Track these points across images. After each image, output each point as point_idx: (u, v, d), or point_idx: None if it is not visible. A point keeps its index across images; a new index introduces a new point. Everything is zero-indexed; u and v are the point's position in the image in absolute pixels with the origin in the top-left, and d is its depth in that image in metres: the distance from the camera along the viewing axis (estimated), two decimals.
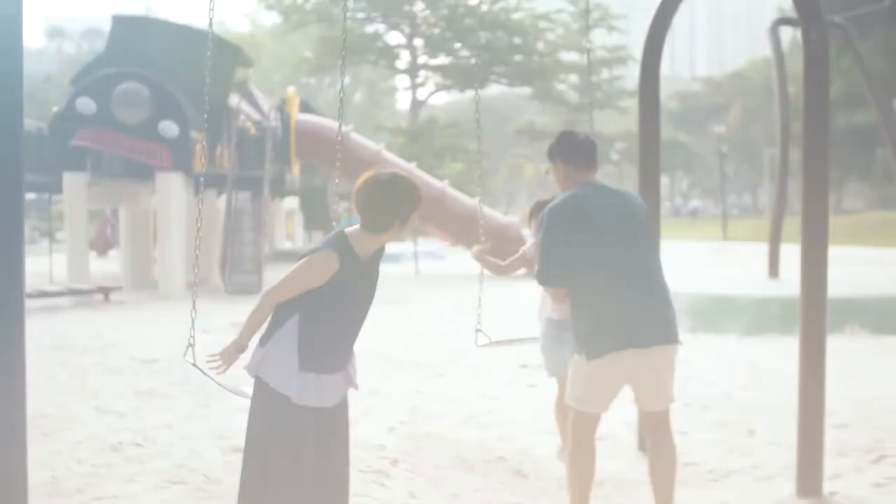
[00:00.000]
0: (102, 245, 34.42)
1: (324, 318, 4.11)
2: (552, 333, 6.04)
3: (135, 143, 17.72)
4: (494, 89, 76.03)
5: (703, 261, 28.46)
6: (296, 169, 24.17)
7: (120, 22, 20.03)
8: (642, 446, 6.62)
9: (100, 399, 8.63)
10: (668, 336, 4.72)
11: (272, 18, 69.89)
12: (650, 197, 6.64)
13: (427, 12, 59.92)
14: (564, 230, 4.69)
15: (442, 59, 61.47)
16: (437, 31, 59.94)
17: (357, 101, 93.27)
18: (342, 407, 4.31)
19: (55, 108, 19.75)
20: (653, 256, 4.90)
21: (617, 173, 63.35)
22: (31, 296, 16.40)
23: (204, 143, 18.30)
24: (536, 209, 6.03)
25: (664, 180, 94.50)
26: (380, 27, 62.40)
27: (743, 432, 7.32)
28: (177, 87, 18.63)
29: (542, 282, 4.85)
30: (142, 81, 18.06)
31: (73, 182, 18.83)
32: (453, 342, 12.10)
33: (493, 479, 6.22)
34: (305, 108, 29.70)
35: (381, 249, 4.31)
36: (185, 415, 8.00)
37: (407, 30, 61.09)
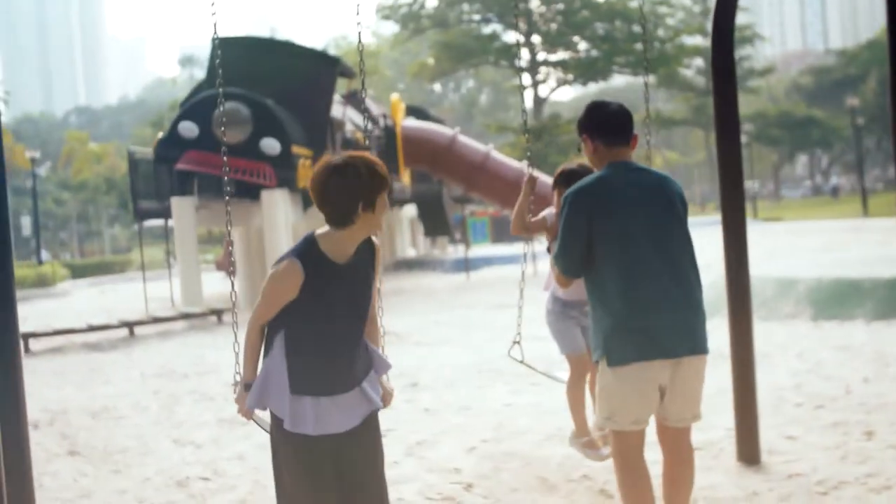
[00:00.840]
0: (229, 265, 34.79)
1: (306, 333, 3.69)
2: (556, 310, 5.71)
3: (237, 163, 17.70)
4: (619, 80, 74.82)
5: (838, 240, 26.98)
6: (405, 177, 23.89)
7: (220, 44, 20.02)
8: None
9: (182, 430, 8.39)
10: (696, 346, 4.17)
11: (392, 28, 70.42)
12: (732, 180, 6.00)
13: (543, 8, 59.25)
14: (586, 216, 4.16)
15: (561, 54, 60.68)
16: (553, 26, 59.20)
17: (482, 103, 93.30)
18: (365, 431, 3.81)
19: (160, 135, 19.95)
20: (686, 252, 4.25)
21: (745, 156, 61.35)
22: (144, 322, 16.52)
23: (309, 158, 18.25)
24: (560, 178, 5.59)
25: (802, 159, 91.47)
26: (497, 27, 62.01)
27: (860, 434, 6.52)
28: (278, 104, 18.57)
29: (559, 268, 4.32)
30: (241, 101, 18.03)
31: (181, 206, 18.96)
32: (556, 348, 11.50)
33: (575, 502, 5.63)
34: (421, 115, 29.52)
35: (369, 248, 3.81)
36: (261, 443, 7.64)
37: (524, 27, 60.47)
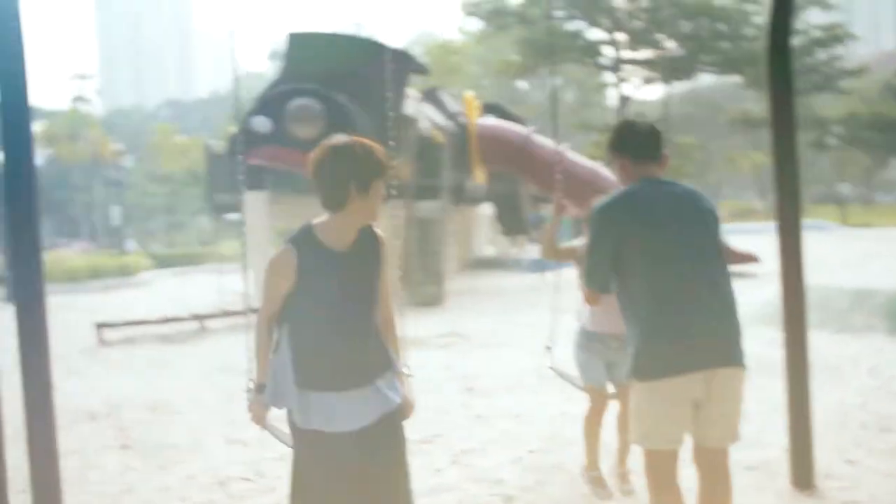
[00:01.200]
0: None
1: (308, 325, 3.61)
2: (581, 342, 5.61)
3: (308, 158, 17.68)
4: (706, 79, 73.55)
5: None
6: (479, 175, 23.71)
7: (295, 39, 20.15)
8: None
9: (233, 428, 8.35)
10: (730, 357, 4.01)
11: (478, 24, 70.18)
12: (788, 186, 5.73)
13: (628, 5, 58.50)
14: (613, 231, 4.08)
15: (645, 52, 59.86)
16: (638, 23, 58.41)
17: (568, 101, 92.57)
18: (383, 430, 3.68)
19: (232, 129, 20.08)
20: (717, 264, 4.11)
21: (836, 158, 59.82)
22: (215, 316, 16.64)
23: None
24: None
25: None
26: (581, 24, 61.41)
27: None
28: (350, 100, 18.53)
29: (586, 283, 4.23)
30: (314, 96, 18.04)
31: (254, 201, 19.05)
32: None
33: None
34: (500, 112, 29.30)
35: (373, 239, 3.72)
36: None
37: (608, 25, 59.82)
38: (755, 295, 13.09)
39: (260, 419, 3.76)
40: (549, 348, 5.85)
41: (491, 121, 22.98)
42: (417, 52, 73.71)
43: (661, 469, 4.12)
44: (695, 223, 4.10)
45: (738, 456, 6.41)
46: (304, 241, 3.59)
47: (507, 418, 8.10)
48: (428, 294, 18.48)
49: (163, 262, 39.78)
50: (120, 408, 9.65)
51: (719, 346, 4.00)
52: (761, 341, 9.25)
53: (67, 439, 8.27)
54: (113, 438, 8.22)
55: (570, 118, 70.75)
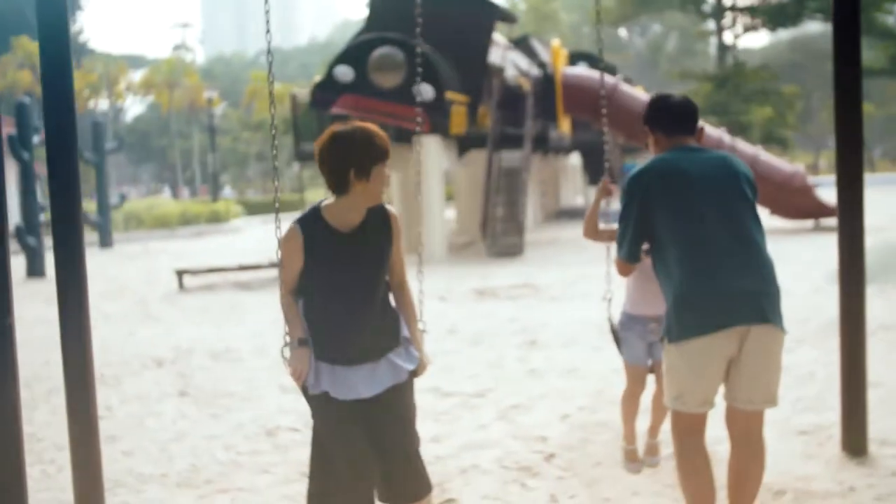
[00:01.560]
0: None
1: (317, 302, 3.79)
2: (622, 321, 5.45)
3: (391, 107, 17.65)
4: (814, 27, 71.26)
5: None
6: (564, 125, 23.36)
7: None
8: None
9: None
10: (765, 315, 3.87)
11: None
12: (850, 141, 5.44)
13: None
14: (644, 198, 4.03)
15: None
16: None
17: (669, 49, 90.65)
18: (393, 398, 3.83)
19: (316, 78, 20.11)
20: (753, 226, 4.00)
21: None
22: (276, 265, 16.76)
23: (465, 104, 18.04)
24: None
25: None
26: None
27: None
28: (435, 49, 18.39)
29: (619, 254, 4.18)
30: (396, 45, 17.93)
31: None
32: None
33: (659, 482, 5.29)
34: (591, 61, 28.83)
35: (382, 217, 3.82)
36: None
37: None
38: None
39: (301, 373, 3.75)
40: (608, 300, 5.64)
41: (577, 69, 22.58)
42: (512, 2, 73.00)
43: (690, 433, 4.05)
44: (727, 186, 4.01)
45: (793, 420, 6.26)
46: (311, 221, 3.74)
47: (561, 373, 7.99)
48: (508, 244, 18.34)
49: (254, 209, 40.35)
50: (188, 354, 9.80)
51: (753, 303, 3.88)
52: (835, 300, 8.92)
53: (132, 385, 8.47)
54: (172, 385, 8.35)
55: (671, 67, 69.42)
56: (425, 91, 17.58)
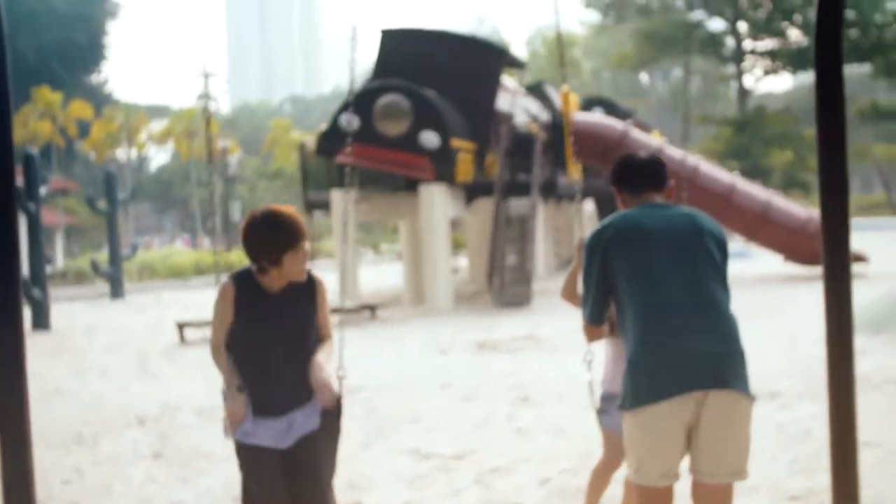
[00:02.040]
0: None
1: (241, 356, 4.00)
2: (602, 397, 5.22)
3: (396, 156, 17.50)
4: None
5: None
6: (575, 171, 23.13)
7: (387, 36, 19.99)
8: None
9: None
10: (725, 379, 3.65)
11: (597, 16, 69.19)
12: (833, 185, 5.12)
13: None
14: (604, 256, 3.88)
15: (768, 42, 58.04)
16: (761, 12, 56.67)
17: (690, 94, 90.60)
18: (303, 452, 4.01)
19: (322, 127, 20.02)
20: (716, 288, 3.78)
21: None
22: None
23: (471, 152, 17.86)
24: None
25: None
26: (701, 14, 59.98)
27: None
28: (441, 96, 18.28)
29: (583, 315, 4.03)
30: (402, 93, 17.80)
31: (341, 199, 18.94)
32: None
33: None
34: (607, 106, 28.69)
35: (302, 285, 4.04)
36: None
37: (730, 15, 58.22)
38: (856, 298, 12.28)
39: (237, 418, 3.93)
40: (588, 361, 5.22)
41: (587, 115, 22.41)
42: (536, 45, 73.19)
43: None
44: (690, 244, 3.82)
45: (784, 484, 5.93)
46: (244, 279, 3.99)
47: (548, 432, 7.68)
48: (515, 293, 18.04)
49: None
50: (173, 411, 9.56)
51: (709, 366, 3.65)
52: None
53: (109, 446, 8.22)
54: (148, 447, 8.09)
55: (692, 111, 69.23)
56: (430, 139, 17.43)
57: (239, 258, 34.13)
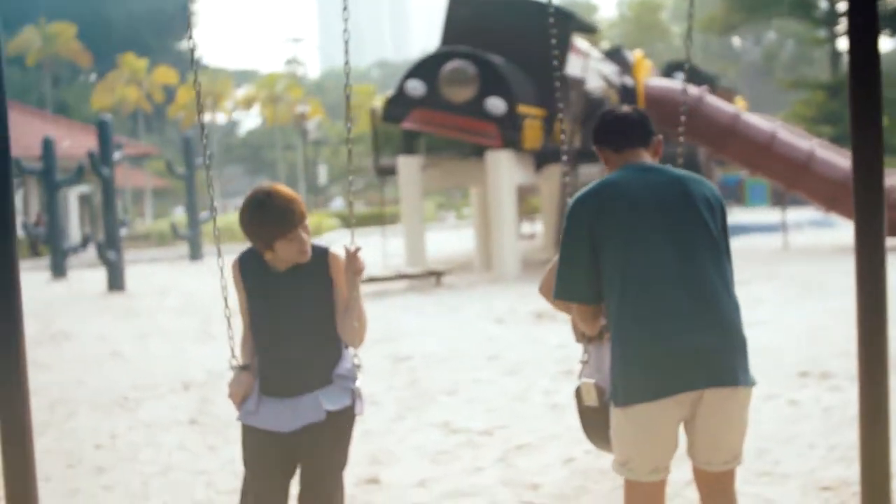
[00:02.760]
0: None
1: (255, 334, 3.87)
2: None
3: (462, 122, 17.32)
4: None
5: None
6: None
7: (455, 2, 19.77)
8: None
9: None
10: (722, 377, 3.39)
11: None
12: (868, 164, 4.82)
13: None
14: (586, 226, 3.51)
15: None
16: None
17: (783, 58, 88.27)
18: (318, 434, 3.75)
19: (388, 93, 19.92)
20: (713, 262, 3.47)
21: None
22: (362, 281, 16.52)
23: (539, 118, 17.61)
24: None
25: None
26: None
27: None
28: (509, 63, 18.03)
29: (555, 289, 3.63)
30: (468, 59, 17.60)
31: (407, 165, 18.84)
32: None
33: None
34: (691, 73, 27.96)
35: (321, 256, 3.81)
36: (377, 428, 7.18)
37: None
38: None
39: (236, 397, 3.85)
40: (584, 363, 4.43)
41: (660, 81, 21.91)
42: (621, 11, 71.87)
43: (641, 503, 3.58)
44: (683, 212, 3.47)
45: (818, 473, 5.65)
46: (250, 257, 3.83)
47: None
48: None
49: (349, 223, 40.52)
50: (219, 377, 9.59)
51: (706, 365, 3.37)
52: None
53: (149, 411, 8.28)
54: (187, 412, 8.13)
55: (785, 76, 67.41)
56: (496, 105, 17.20)
57: (317, 220, 34.48)
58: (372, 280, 16.47)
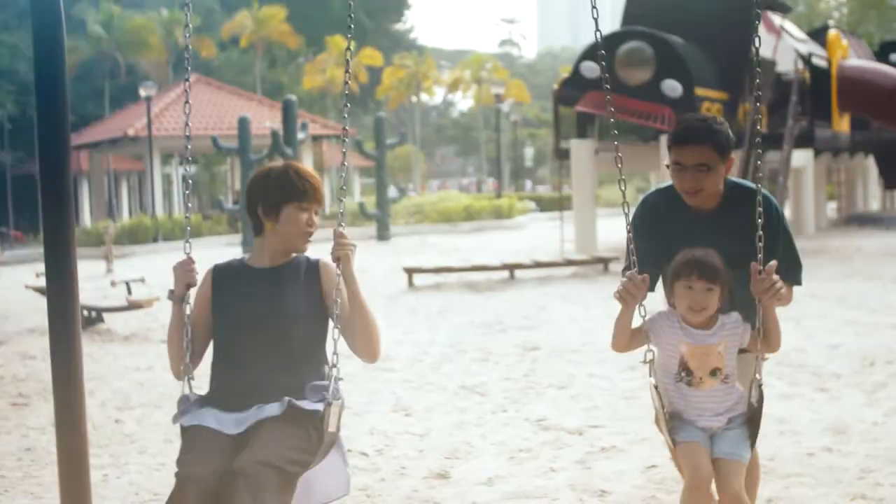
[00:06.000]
0: None
1: (216, 344, 3.63)
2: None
3: (637, 105, 16.81)
4: None
5: None
6: (841, 122, 21.24)
7: None
8: None
9: (413, 392, 8.07)
10: None
11: None
12: None
13: None
14: (648, 230, 3.81)
15: None
16: None
17: None
18: (265, 423, 3.39)
19: (564, 74, 19.58)
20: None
21: None
22: (525, 266, 16.36)
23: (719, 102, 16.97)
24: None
25: None
26: None
27: None
28: (690, 43, 17.37)
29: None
30: (645, 40, 17.04)
31: (580, 149, 18.46)
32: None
33: None
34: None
35: (306, 266, 3.64)
36: (435, 426, 6.99)
37: None
38: None
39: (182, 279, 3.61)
40: (649, 362, 3.72)
41: (857, 62, 20.56)
42: None
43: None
44: (729, 226, 3.65)
45: None
46: (227, 268, 3.69)
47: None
48: None
49: (543, 205, 40.43)
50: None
51: None
52: None
53: None
54: None
55: None
56: (672, 87, 16.61)
57: (508, 203, 34.40)
58: (538, 265, 16.27)
